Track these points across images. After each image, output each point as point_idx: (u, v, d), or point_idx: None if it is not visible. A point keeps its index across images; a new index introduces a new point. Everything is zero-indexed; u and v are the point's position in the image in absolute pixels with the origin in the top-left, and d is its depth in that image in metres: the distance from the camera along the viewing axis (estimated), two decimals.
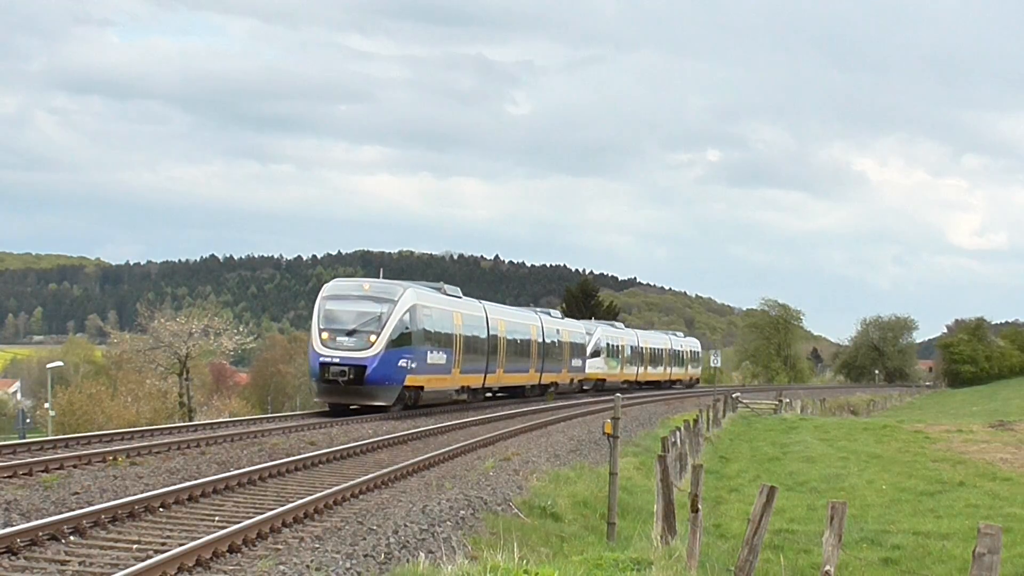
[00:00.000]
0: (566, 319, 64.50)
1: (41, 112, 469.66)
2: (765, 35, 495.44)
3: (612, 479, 15.90)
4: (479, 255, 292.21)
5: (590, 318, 77.35)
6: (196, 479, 17.41)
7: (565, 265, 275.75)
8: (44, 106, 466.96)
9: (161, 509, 14.89)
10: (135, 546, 12.45)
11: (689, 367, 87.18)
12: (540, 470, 21.41)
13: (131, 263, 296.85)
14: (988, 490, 25.94)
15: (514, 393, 51.54)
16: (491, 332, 45.23)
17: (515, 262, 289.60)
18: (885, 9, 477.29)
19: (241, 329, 72.99)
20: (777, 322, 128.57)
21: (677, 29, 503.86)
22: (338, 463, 21.86)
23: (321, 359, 34.63)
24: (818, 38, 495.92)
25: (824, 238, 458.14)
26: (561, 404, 48.02)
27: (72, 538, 12.62)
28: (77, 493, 15.77)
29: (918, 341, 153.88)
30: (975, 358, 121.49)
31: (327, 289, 36.98)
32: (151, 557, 11.41)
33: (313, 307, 36.64)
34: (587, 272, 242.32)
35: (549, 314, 58.51)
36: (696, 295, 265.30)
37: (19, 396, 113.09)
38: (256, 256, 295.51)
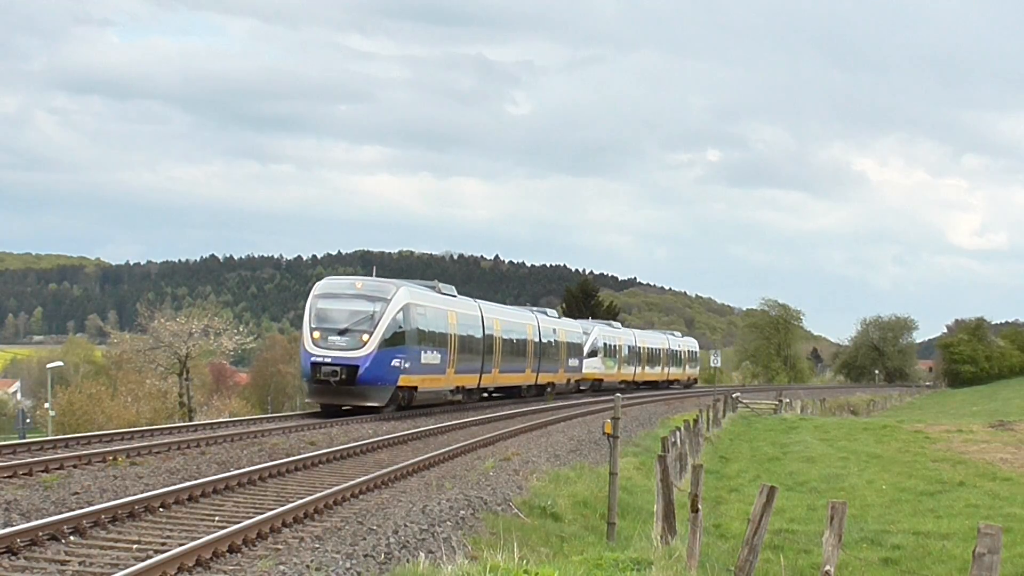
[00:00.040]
0: (563, 318, 64.19)
1: (41, 112, 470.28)
2: (765, 35, 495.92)
3: (612, 479, 15.89)
4: (479, 255, 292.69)
5: (587, 318, 77.23)
6: (196, 479, 17.41)
7: (565, 265, 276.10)
8: (44, 106, 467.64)
9: (161, 509, 14.89)
10: (135, 546, 12.45)
11: (687, 367, 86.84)
12: (540, 470, 21.41)
13: (131, 263, 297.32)
14: (988, 490, 25.95)
15: (510, 393, 51.15)
16: (486, 331, 44.82)
17: (515, 262, 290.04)
18: (885, 9, 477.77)
19: (241, 329, 72.97)
20: (777, 322, 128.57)
21: (677, 29, 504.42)
22: (338, 463, 21.86)
23: (313, 359, 34.06)
24: (818, 38, 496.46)
25: (824, 238, 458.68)
26: (561, 404, 48.00)
27: (72, 538, 12.62)
28: (77, 493, 15.77)
29: (918, 341, 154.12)
30: (975, 358, 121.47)
31: (319, 287, 36.41)
32: (151, 557, 11.41)
33: (305, 306, 36.16)
34: (587, 272, 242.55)
35: (546, 313, 58.07)
36: (696, 295, 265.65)
37: (19, 396, 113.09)
38: (256, 256, 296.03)
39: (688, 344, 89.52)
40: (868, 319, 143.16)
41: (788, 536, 18.63)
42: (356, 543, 12.53)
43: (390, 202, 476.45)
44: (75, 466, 18.75)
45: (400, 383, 35.54)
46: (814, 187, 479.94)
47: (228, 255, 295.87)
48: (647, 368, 75.12)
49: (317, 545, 12.66)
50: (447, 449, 24.43)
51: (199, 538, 12.37)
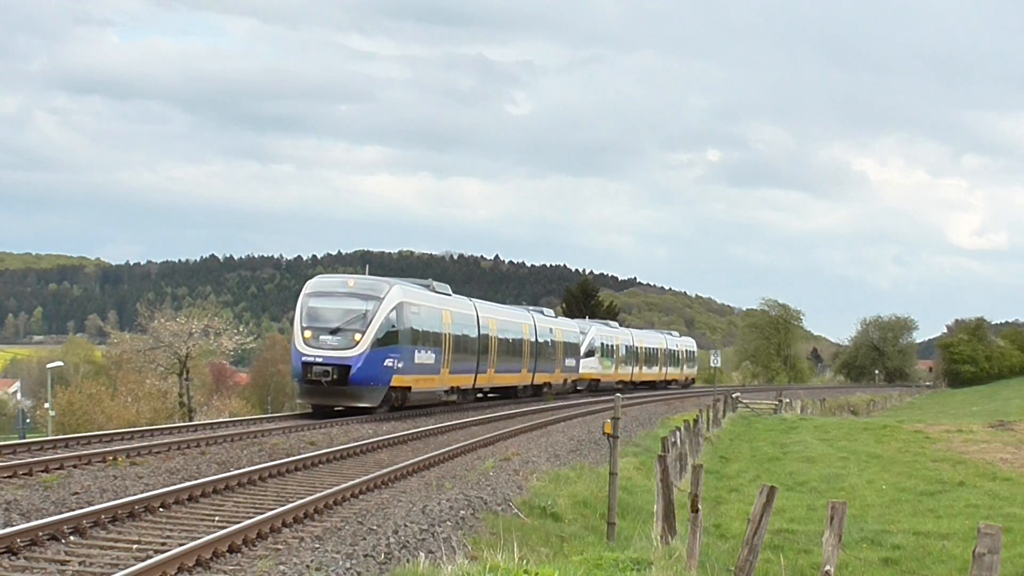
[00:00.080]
0: (560, 318, 63.68)
1: (41, 112, 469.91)
2: (765, 35, 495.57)
3: (612, 479, 15.89)
4: (479, 255, 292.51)
5: (584, 317, 77.02)
6: (196, 479, 17.42)
7: (565, 265, 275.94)
8: (44, 106, 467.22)
9: (161, 509, 14.89)
10: (135, 546, 12.45)
11: (685, 367, 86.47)
12: (540, 470, 21.41)
13: (131, 263, 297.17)
14: (988, 490, 25.96)
15: (506, 394, 50.60)
16: (482, 331, 44.27)
17: (515, 262, 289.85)
18: (885, 9, 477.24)
19: (241, 329, 72.95)
20: (777, 322, 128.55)
21: (677, 29, 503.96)
22: (338, 463, 21.86)
23: (304, 358, 33.48)
24: (818, 38, 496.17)
25: (824, 238, 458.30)
26: (560, 404, 47.99)
27: (72, 538, 12.63)
28: (77, 493, 15.77)
29: (918, 341, 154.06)
30: (975, 358, 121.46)
31: (310, 286, 35.75)
32: (151, 557, 11.41)
33: (296, 304, 35.52)
34: (587, 272, 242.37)
35: (542, 313, 57.44)
36: (696, 295, 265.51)
37: (19, 396, 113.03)
38: (256, 256, 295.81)
39: (686, 344, 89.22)
40: (868, 319, 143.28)
41: (788, 536, 18.64)
42: (356, 543, 12.53)
43: (390, 202, 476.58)
44: (75, 466, 18.75)
45: (393, 383, 34.95)
46: (814, 187, 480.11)
47: (228, 255, 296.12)
48: (644, 368, 74.85)
49: (317, 545, 12.66)
50: (447, 449, 24.43)
51: (199, 538, 12.38)
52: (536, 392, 53.52)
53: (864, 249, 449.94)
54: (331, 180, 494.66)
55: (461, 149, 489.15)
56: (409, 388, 36.71)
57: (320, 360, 33.31)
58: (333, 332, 33.70)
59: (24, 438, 38.09)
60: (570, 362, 58.52)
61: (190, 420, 52.38)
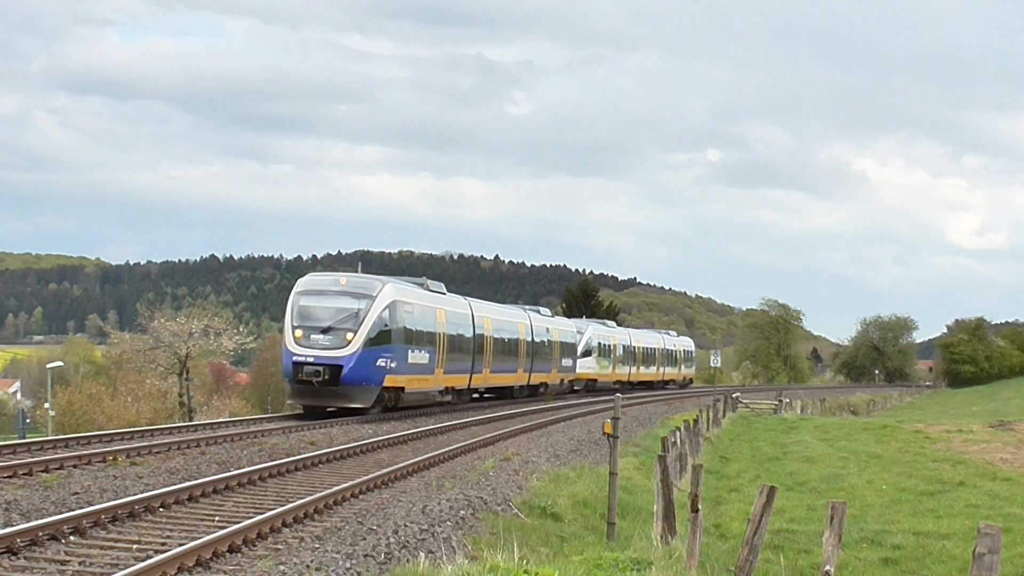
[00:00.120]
0: (556, 317, 63.01)
1: (41, 112, 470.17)
2: (765, 35, 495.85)
3: (612, 479, 15.89)
4: (479, 255, 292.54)
5: (580, 316, 76.78)
6: (196, 479, 17.42)
7: (565, 265, 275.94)
8: (44, 106, 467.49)
9: (161, 509, 14.89)
10: (135, 546, 12.45)
11: (682, 367, 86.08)
12: (540, 470, 21.41)
13: (131, 263, 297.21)
14: (988, 490, 25.96)
15: (502, 394, 50.08)
16: (477, 330, 43.67)
17: (515, 262, 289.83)
18: (885, 9, 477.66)
19: (241, 329, 72.93)
20: (777, 322, 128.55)
21: (677, 29, 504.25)
22: (338, 463, 21.86)
23: (294, 358, 32.78)
24: (818, 38, 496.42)
25: (824, 238, 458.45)
26: (560, 404, 47.98)
27: (72, 538, 12.63)
28: (77, 493, 15.77)
29: (918, 341, 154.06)
30: (975, 358, 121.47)
31: (301, 284, 35.08)
32: (151, 557, 11.41)
33: (287, 303, 34.82)
34: (587, 272, 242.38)
35: (539, 312, 56.73)
36: (696, 295, 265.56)
37: (19, 396, 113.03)
38: (256, 256, 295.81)
39: (684, 344, 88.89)
40: (868, 319, 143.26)
41: (788, 536, 18.64)
42: (356, 543, 12.53)
43: (390, 202, 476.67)
44: (75, 466, 18.75)
45: (386, 384, 34.25)
46: (814, 187, 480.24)
47: (228, 255, 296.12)
48: (642, 368, 74.56)
49: (317, 545, 12.66)
50: (447, 449, 24.43)
51: (199, 538, 12.38)
52: (532, 392, 52.92)
53: (864, 249, 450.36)
54: (331, 180, 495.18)
55: (461, 149, 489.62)
56: (403, 388, 36.12)
57: (311, 360, 32.61)
58: (324, 331, 32.99)
59: (24, 438, 38.07)
60: (567, 362, 57.95)
61: (190, 420, 52.39)
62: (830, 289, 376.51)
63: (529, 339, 51.04)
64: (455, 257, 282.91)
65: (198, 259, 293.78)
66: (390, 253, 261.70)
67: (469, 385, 44.00)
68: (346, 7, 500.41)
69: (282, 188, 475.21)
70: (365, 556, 11.77)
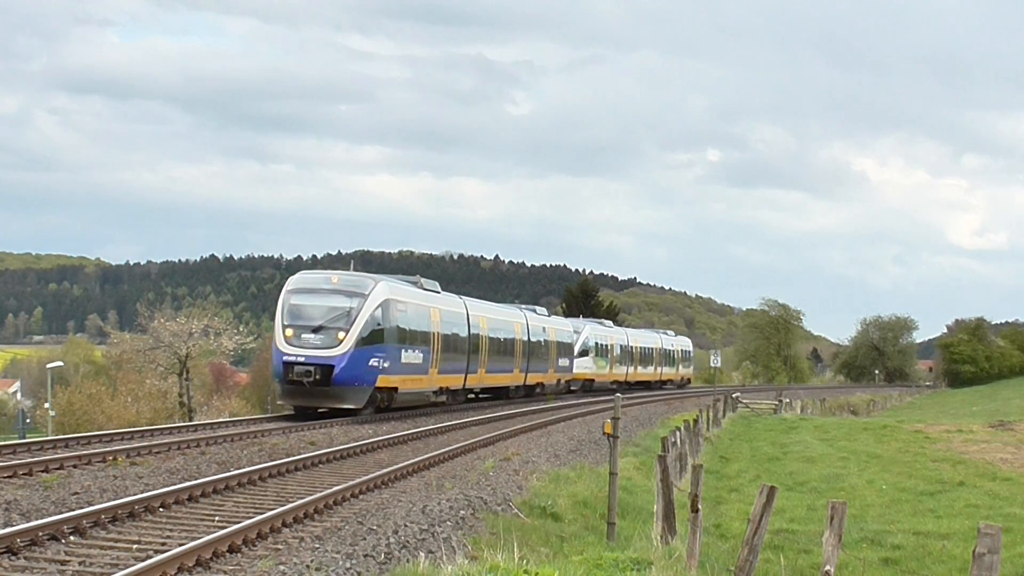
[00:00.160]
0: (553, 317, 62.50)
1: (41, 112, 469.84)
2: (765, 35, 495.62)
3: (612, 479, 15.88)
4: (479, 255, 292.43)
5: (578, 316, 76.57)
6: (196, 479, 17.42)
7: (565, 265, 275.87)
8: (44, 106, 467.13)
9: (161, 509, 14.89)
10: (135, 546, 12.45)
11: (680, 367, 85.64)
12: (540, 470, 21.41)
13: (131, 263, 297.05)
14: (988, 490, 25.97)
15: (497, 394, 49.68)
16: (472, 330, 43.15)
17: (515, 262, 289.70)
18: (885, 9, 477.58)
19: (241, 329, 72.88)
20: (777, 322, 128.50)
21: (677, 29, 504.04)
22: (338, 463, 21.86)
23: (285, 358, 32.08)
24: (818, 38, 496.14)
25: (824, 238, 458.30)
26: (560, 404, 47.97)
27: (72, 538, 12.63)
28: (77, 493, 15.77)
29: (918, 341, 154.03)
30: (975, 358, 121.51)
31: (292, 282, 34.43)
32: (151, 557, 11.41)
33: (278, 301, 34.12)
34: (587, 272, 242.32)
35: (535, 311, 56.06)
36: (696, 295, 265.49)
37: (19, 396, 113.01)
38: (256, 256, 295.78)
39: (682, 343, 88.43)
40: (868, 319, 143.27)
41: (788, 536, 18.66)
42: (356, 543, 12.53)
43: (390, 202, 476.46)
44: (75, 466, 18.75)
45: (379, 384, 33.66)
46: (814, 187, 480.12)
47: (228, 255, 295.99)
48: (640, 368, 74.26)
49: (317, 545, 12.66)
50: (447, 449, 24.43)
51: (199, 538, 12.38)
52: (529, 393, 52.44)
53: (864, 249, 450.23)
54: (331, 180, 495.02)
55: (461, 149, 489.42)
56: (396, 389, 35.55)
57: (302, 360, 32.00)
58: (316, 330, 32.40)
59: (24, 438, 38.09)
60: (564, 362, 57.43)
61: (190, 420, 52.39)
62: (830, 289, 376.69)
63: (525, 339, 50.59)
64: (455, 257, 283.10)
65: (198, 259, 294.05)
66: (390, 253, 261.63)
67: (464, 385, 43.47)
68: (346, 7, 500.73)
69: (282, 188, 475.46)
70: (365, 556, 11.77)
